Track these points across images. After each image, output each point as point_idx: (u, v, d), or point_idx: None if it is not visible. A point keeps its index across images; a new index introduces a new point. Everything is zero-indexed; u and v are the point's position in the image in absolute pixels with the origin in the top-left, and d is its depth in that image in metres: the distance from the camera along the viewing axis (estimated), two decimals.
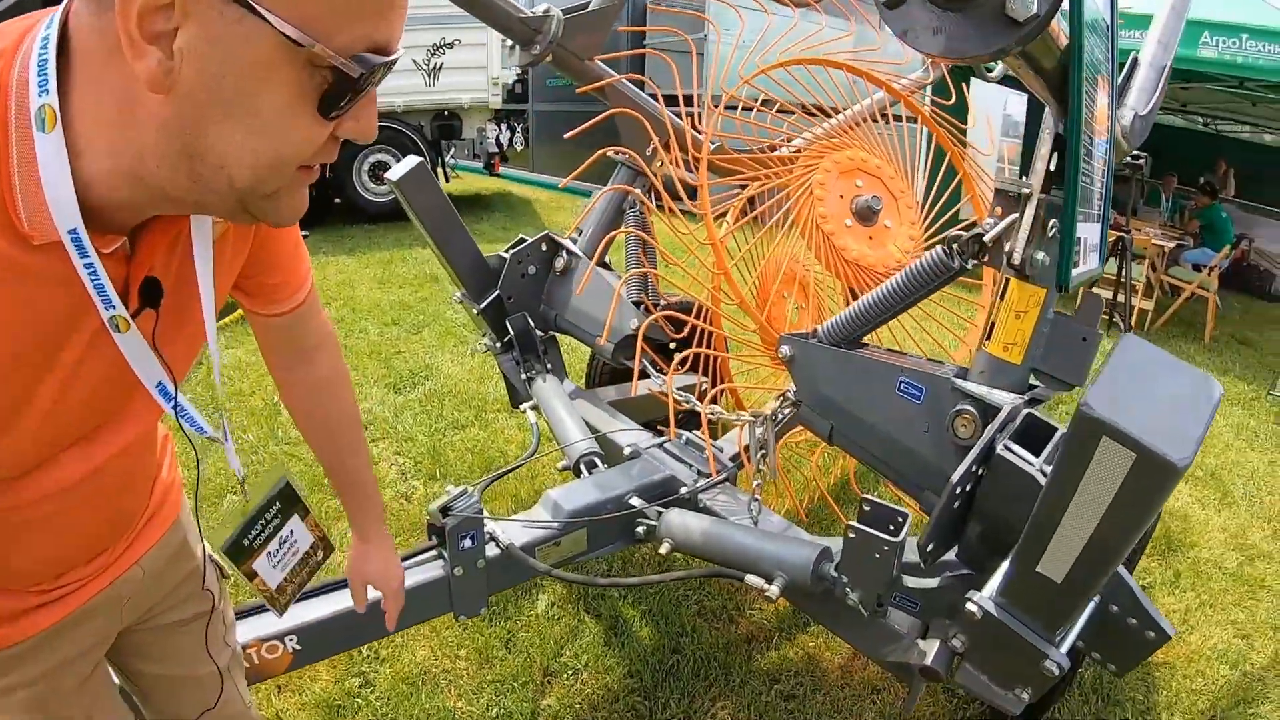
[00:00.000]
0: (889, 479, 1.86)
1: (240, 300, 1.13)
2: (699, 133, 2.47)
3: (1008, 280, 1.56)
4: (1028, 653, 1.32)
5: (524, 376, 2.76)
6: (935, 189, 2.78)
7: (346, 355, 4.55)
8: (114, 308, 0.78)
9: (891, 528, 1.55)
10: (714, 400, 2.34)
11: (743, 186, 2.48)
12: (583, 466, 2.27)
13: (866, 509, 1.56)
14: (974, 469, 1.42)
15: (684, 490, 2.15)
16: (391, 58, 0.71)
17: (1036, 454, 1.40)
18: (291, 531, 1.23)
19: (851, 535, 1.56)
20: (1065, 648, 1.33)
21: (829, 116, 2.79)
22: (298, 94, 0.68)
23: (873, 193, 2.51)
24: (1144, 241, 7.68)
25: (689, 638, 2.61)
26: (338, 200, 8.67)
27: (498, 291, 2.76)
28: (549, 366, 2.78)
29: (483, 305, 2.77)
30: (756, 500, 2.06)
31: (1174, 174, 10.39)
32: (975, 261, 1.60)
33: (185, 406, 0.93)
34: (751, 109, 2.63)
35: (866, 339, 1.98)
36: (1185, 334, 7.35)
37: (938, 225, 2.71)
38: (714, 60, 2.53)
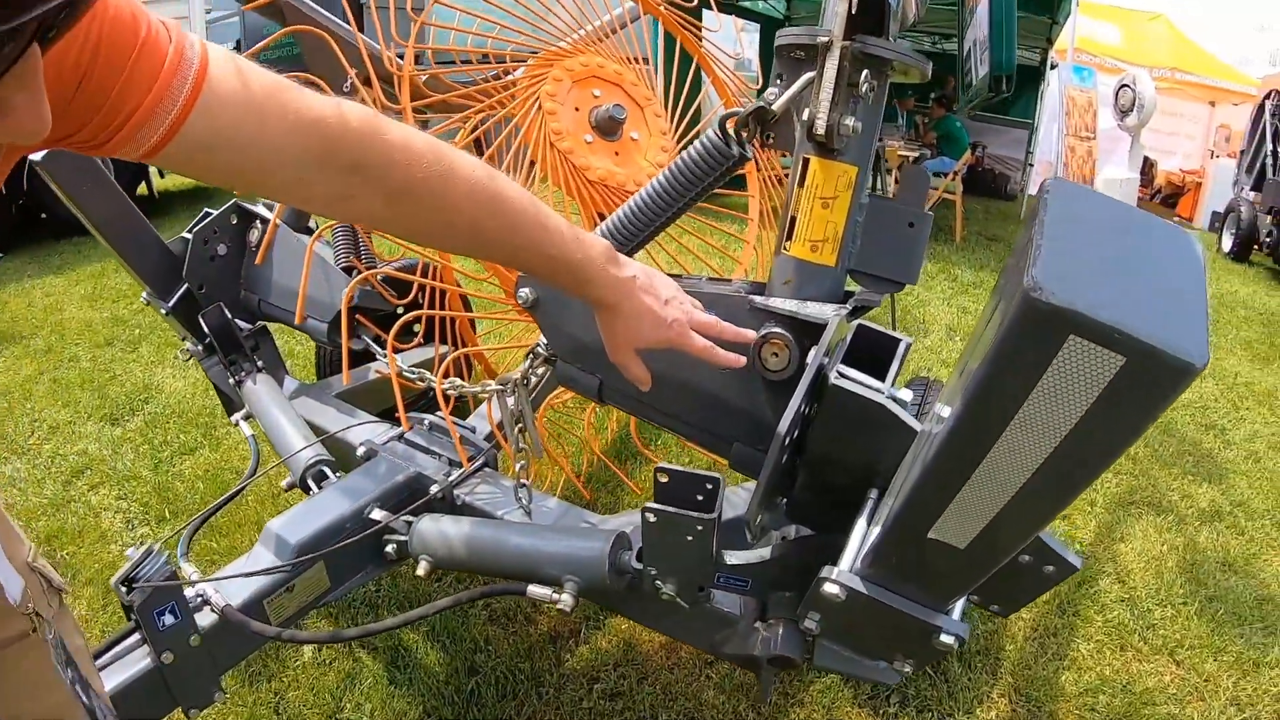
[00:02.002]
0: (684, 436, 1.50)
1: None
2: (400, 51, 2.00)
3: (807, 160, 1.22)
4: (912, 629, 1.01)
5: (232, 381, 2.21)
6: (684, 97, 2.44)
7: (56, 389, 3.79)
8: None
9: (701, 499, 1.19)
10: (454, 372, 1.89)
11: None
12: (310, 481, 1.78)
13: (664, 480, 1.17)
14: (803, 408, 1.09)
15: (435, 489, 1.71)
16: None
17: (880, 377, 1.09)
18: None
19: (651, 518, 1.19)
20: (959, 613, 1.03)
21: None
22: None
23: (613, 101, 2.13)
24: (890, 152, 8.09)
25: (485, 653, 2.20)
26: (44, 216, 7.14)
27: (185, 284, 2.22)
28: (260, 364, 2.24)
29: (171, 303, 2.22)
30: (524, 485, 1.67)
31: (912, 95, 10.92)
32: (762, 143, 1.26)
33: None
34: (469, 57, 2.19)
35: None
36: (937, 236, 7.72)
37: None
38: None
